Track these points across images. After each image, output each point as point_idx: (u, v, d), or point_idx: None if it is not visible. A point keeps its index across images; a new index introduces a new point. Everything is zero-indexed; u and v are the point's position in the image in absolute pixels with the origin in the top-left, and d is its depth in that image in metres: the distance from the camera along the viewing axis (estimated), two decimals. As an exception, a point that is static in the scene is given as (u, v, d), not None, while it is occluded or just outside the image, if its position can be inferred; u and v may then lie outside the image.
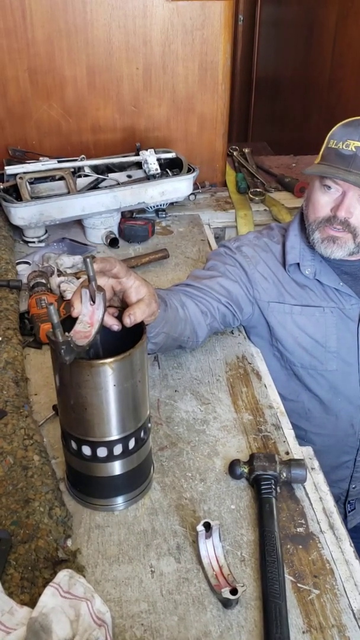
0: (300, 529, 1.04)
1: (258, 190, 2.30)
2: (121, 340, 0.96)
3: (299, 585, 0.95)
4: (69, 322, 0.92)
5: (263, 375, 1.40)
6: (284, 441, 1.22)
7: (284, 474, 1.09)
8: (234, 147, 2.66)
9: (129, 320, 0.95)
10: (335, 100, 2.94)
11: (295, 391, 1.52)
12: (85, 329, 0.90)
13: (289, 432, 1.25)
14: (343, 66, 2.86)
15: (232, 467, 1.11)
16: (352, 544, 1.04)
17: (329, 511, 1.09)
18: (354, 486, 1.63)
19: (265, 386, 1.37)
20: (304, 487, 1.11)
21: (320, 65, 3.06)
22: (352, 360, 1.47)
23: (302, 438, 1.54)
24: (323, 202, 1.36)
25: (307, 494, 1.11)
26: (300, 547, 1.01)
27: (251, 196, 2.26)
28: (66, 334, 0.84)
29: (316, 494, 1.12)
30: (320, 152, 1.36)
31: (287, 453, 1.19)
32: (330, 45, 2.95)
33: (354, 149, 1.29)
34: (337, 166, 1.30)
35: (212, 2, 2.03)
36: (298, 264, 1.44)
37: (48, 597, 0.79)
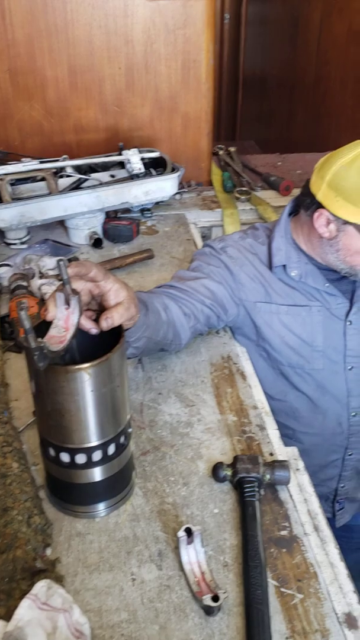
0: (284, 532, 1.02)
1: (244, 189, 2.29)
2: (99, 345, 0.94)
3: (282, 589, 0.93)
4: (44, 326, 0.90)
5: (248, 375, 1.39)
6: (269, 442, 1.20)
7: (268, 476, 1.07)
8: (219, 145, 2.65)
9: (105, 324, 0.94)
10: (320, 98, 2.94)
11: (282, 391, 1.51)
12: (60, 334, 0.89)
13: (273, 433, 1.24)
14: (328, 64, 2.86)
15: (216, 470, 1.09)
16: (337, 546, 1.03)
17: (313, 513, 1.08)
18: (342, 485, 1.62)
19: (250, 386, 1.35)
20: (288, 489, 1.10)
21: (306, 63, 3.06)
22: (338, 358, 1.46)
23: (290, 437, 1.53)
24: None
25: (291, 496, 1.09)
26: (284, 550, 0.99)
27: (237, 195, 2.25)
28: (39, 339, 0.82)
29: (301, 496, 1.10)
30: None
31: (272, 454, 1.17)
32: (315, 43, 2.95)
33: None
34: None
35: (193, 1, 2.02)
36: (284, 265, 1.43)
37: (24, 610, 0.77)
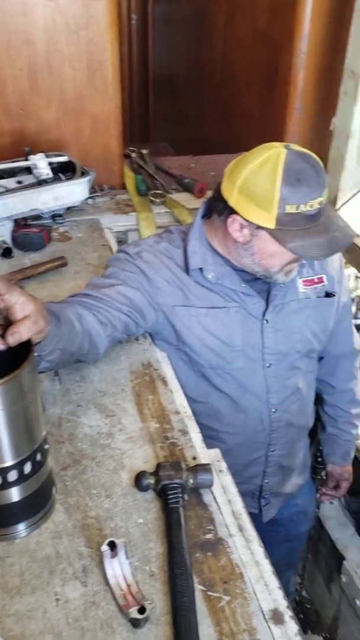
0: (209, 536, 1.03)
1: (158, 192, 2.28)
2: (8, 361, 0.90)
3: (209, 593, 0.93)
4: None
5: (169, 380, 1.39)
6: (191, 446, 1.20)
7: (191, 481, 1.07)
8: (131, 148, 2.63)
9: (12, 339, 0.90)
10: (228, 98, 2.98)
11: (204, 392, 1.51)
12: (-36, 353, 0.85)
13: (196, 436, 1.24)
14: (234, 64, 2.90)
15: (138, 480, 1.08)
16: (262, 544, 1.05)
17: (237, 513, 1.09)
18: (267, 481, 1.65)
19: (171, 391, 1.35)
20: (212, 492, 1.11)
21: (212, 63, 3.09)
22: (257, 357, 1.48)
23: (214, 438, 1.54)
24: (286, 252, 1.30)
25: (215, 498, 1.10)
26: (210, 554, 1.00)
27: (152, 198, 2.24)
28: None
29: (225, 497, 1.11)
30: (274, 217, 1.24)
31: (195, 458, 1.17)
32: (221, 43, 2.99)
33: (318, 205, 1.26)
34: (305, 227, 1.26)
35: (94, 1, 1.99)
36: (201, 268, 1.42)
37: None
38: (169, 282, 1.43)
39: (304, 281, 1.49)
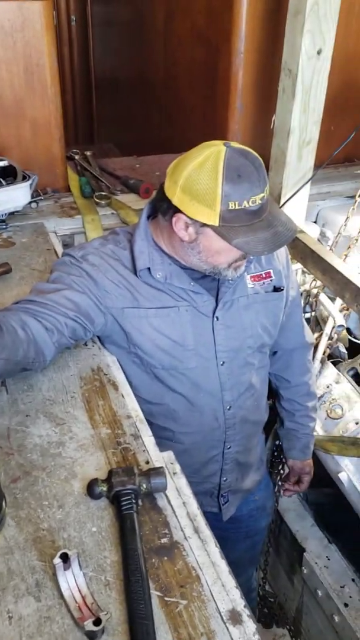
0: (164, 540, 1.02)
1: (103, 193, 2.26)
2: None
3: (166, 599, 0.93)
4: None
5: (120, 384, 1.37)
6: (144, 450, 1.19)
7: (144, 486, 1.06)
8: (75, 150, 2.60)
9: None
10: (171, 98, 2.98)
11: (158, 394, 1.50)
12: None
13: (148, 440, 1.23)
14: (176, 64, 2.90)
15: (91, 488, 1.07)
16: (217, 545, 1.05)
17: (192, 514, 1.09)
18: (225, 479, 1.65)
19: (122, 396, 1.33)
20: (166, 495, 1.10)
21: (154, 64, 3.09)
22: (209, 355, 1.48)
23: (171, 439, 1.54)
24: (231, 248, 1.30)
25: (169, 502, 1.09)
26: (166, 558, 0.99)
27: (97, 200, 2.22)
28: None
29: (179, 499, 1.11)
30: (218, 214, 1.24)
31: (148, 462, 1.16)
32: (162, 44, 2.98)
33: (260, 201, 1.26)
34: (248, 223, 1.26)
35: (30, 3, 1.95)
36: (149, 268, 1.41)
37: None
38: (117, 284, 1.41)
39: (252, 277, 1.50)
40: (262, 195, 1.26)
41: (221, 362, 1.49)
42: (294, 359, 1.77)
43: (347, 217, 2.22)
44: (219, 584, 0.97)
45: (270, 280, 1.52)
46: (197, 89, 2.70)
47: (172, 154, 2.59)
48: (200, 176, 1.24)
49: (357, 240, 2.23)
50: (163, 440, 1.51)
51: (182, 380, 1.48)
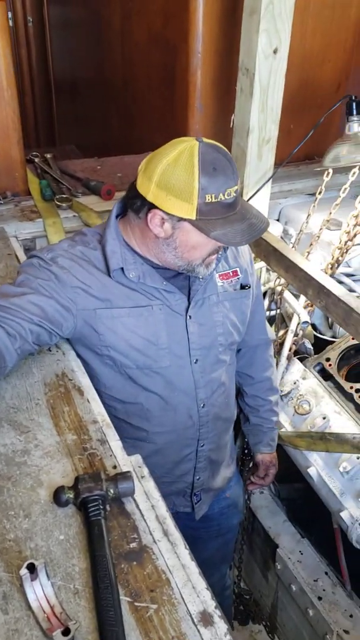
0: (133, 544, 1.01)
1: (64, 196, 2.24)
2: None
3: (136, 604, 0.92)
4: None
5: (85, 389, 1.36)
6: (111, 455, 1.18)
7: (112, 491, 1.06)
8: (34, 153, 2.57)
9: None
10: (131, 100, 2.97)
11: (132, 394, 1.50)
12: None
13: (115, 445, 1.22)
14: (133, 66, 2.89)
15: (57, 495, 1.05)
16: (187, 547, 1.04)
17: (162, 517, 1.08)
18: (198, 477, 1.66)
19: (88, 401, 1.32)
20: (134, 499, 1.09)
21: (113, 65, 3.07)
22: (183, 353, 1.48)
23: (144, 440, 1.54)
24: (207, 243, 1.33)
25: (137, 506, 1.08)
26: (135, 563, 0.98)
27: (58, 203, 2.19)
28: None
29: (148, 503, 1.10)
30: (195, 207, 1.25)
31: (115, 467, 1.15)
32: (119, 46, 2.97)
33: (234, 194, 1.28)
34: (224, 216, 1.28)
35: (-18, 5, 1.92)
36: (122, 268, 1.40)
37: None
38: (89, 286, 1.39)
39: (220, 275, 1.51)
40: (235, 187, 1.28)
41: (194, 360, 1.50)
42: (257, 355, 1.80)
43: (309, 215, 2.24)
44: (190, 586, 0.96)
45: (238, 278, 1.54)
46: (156, 90, 2.70)
47: (134, 154, 2.60)
48: (176, 171, 1.24)
49: (319, 237, 2.26)
50: (137, 441, 1.52)
51: (156, 380, 1.48)
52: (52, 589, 0.90)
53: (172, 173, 1.24)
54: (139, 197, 1.31)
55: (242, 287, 1.55)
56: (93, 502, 1.03)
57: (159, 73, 2.63)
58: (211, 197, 1.24)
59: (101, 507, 1.03)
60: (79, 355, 1.46)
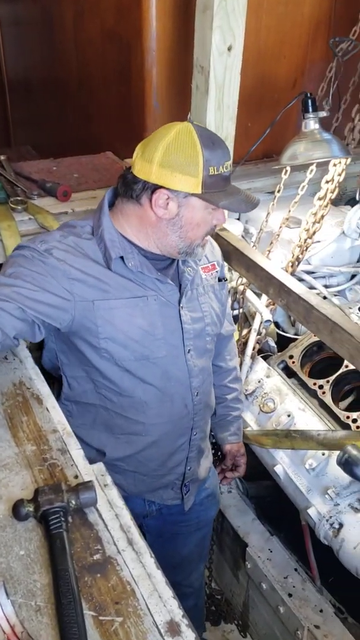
0: (97, 556, 0.99)
1: (19, 198, 2.18)
2: None
3: (100, 618, 0.90)
4: None
5: (44, 397, 1.33)
6: (72, 465, 1.15)
7: (73, 502, 1.03)
8: (-12, 155, 2.50)
9: None
10: (86, 99, 2.92)
11: (129, 387, 1.49)
12: None
13: (77, 453, 1.19)
14: (88, 64, 2.85)
15: (16, 509, 1.02)
16: (152, 555, 1.02)
17: (126, 526, 1.06)
18: (189, 467, 1.67)
19: (47, 409, 1.29)
20: (97, 509, 1.07)
21: (67, 63, 3.01)
22: (177, 343, 1.50)
23: (141, 433, 1.54)
24: (209, 220, 1.40)
25: (100, 516, 1.06)
26: (99, 575, 0.96)
27: (12, 206, 2.13)
28: None
29: (111, 512, 1.08)
30: (200, 181, 1.31)
31: (77, 477, 1.13)
32: (73, 43, 2.91)
33: (230, 168, 1.36)
34: (224, 189, 1.36)
35: None
36: (122, 257, 1.40)
37: None
38: (86, 277, 1.38)
39: (202, 268, 1.57)
40: (230, 162, 1.37)
41: (188, 350, 1.53)
42: (224, 345, 1.84)
43: (268, 213, 2.24)
44: (156, 596, 0.95)
45: (216, 271, 1.61)
46: (111, 88, 2.66)
47: (91, 154, 2.55)
48: (179, 148, 1.30)
49: (279, 235, 2.26)
50: (131, 435, 1.52)
51: (154, 371, 1.49)
52: (11, 607, 0.87)
53: (175, 150, 1.30)
54: (139, 182, 1.35)
55: (220, 279, 1.63)
56: (54, 514, 1.00)
57: (114, 71, 2.59)
58: (214, 170, 1.31)
59: (63, 519, 1.00)
60: (76, 348, 1.44)
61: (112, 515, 1.07)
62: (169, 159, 1.30)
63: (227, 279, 1.67)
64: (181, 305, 1.49)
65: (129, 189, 1.38)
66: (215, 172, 1.32)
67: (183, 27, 2.24)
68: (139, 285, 1.43)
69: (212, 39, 1.80)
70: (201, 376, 1.59)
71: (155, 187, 1.33)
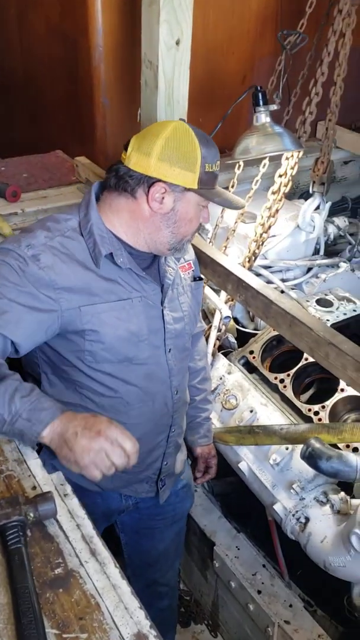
0: (58, 570, 0.95)
1: (-33, 200, 2.11)
2: None
3: (64, 636, 0.86)
4: None
5: (-1, 405, 1.27)
6: (29, 475, 1.11)
7: (31, 515, 0.99)
8: None
9: None
10: (34, 97, 2.85)
11: (112, 388, 1.46)
12: None
13: (34, 463, 1.14)
14: (34, 61, 2.78)
15: (-29, 526, 0.97)
16: (117, 565, 0.99)
17: (88, 537, 1.02)
18: (165, 462, 1.66)
19: (2, 418, 1.23)
20: (57, 520, 1.02)
21: (12, 61, 2.94)
22: (159, 343, 1.50)
23: None
24: (199, 216, 1.43)
25: (61, 527, 1.02)
26: (61, 590, 0.92)
27: None
28: None
29: (72, 522, 1.04)
30: (197, 176, 1.34)
31: (35, 487, 1.08)
32: (17, 40, 2.84)
33: (219, 167, 1.39)
34: (214, 187, 1.40)
35: None
36: (111, 253, 1.36)
37: None
38: (73, 284, 1.34)
39: (180, 267, 1.56)
40: (219, 161, 1.39)
41: (169, 350, 1.52)
42: (194, 344, 1.81)
43: (223, 209, 2.22)
44: (122, 608, 0.91)
45: (192, 270, 1.62)
46: (58, 86, 2.60)
47: (39, 154, 2.49)
48: (179, 142, 1.32)
49: (234, 231, 2.25)
50: None
51: (136, 372, 1.47)
52: (-31, 632, 0.82)
53: (174, 145, 1.32)
54: (134, 176, 1.34)
55: (195, 278, 1.63)
56: (11, 529, 0.96)
57: (61, 69, 2.54)
58: (210, 167, 1.35)
59: (21, 533, 0.96)
60: (59, 348, 1.41)
61: (74, 525, 1.03)
62: (168, 153, 1.32)
63: (202, 278, 1.67)
64: (164, 305, 1.48)
65: (122, 182, 1.36)
66: (210, 170, 1.35)
67: (130, 22, 2.21)
68: (124, 287, 1.40)
69: (160, 33, 1.77)
70: (181, 374, 1.60)
71: (153, 181, 1.33)
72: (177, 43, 1.82)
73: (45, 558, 0.96)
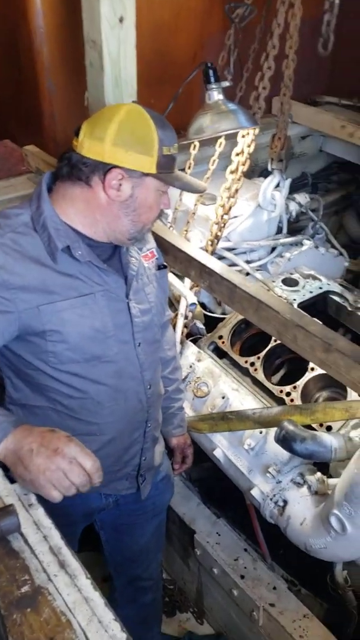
0: (25, 588, 0.90)
1: None
2: None
3: (34, 659, 0.81)
4: None
5: None
6: (-9, 487, 1.05)
7: (-7, 531, 0.93)
8: None
9: None
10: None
11: (81, 389, 1.40)
12: None
13: (-5, 474, 1.08)
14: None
15: None
16: (89, 576, 0.94)
17: (56, 548, 0.97)
18: (144, 458, 1.62)
19: None
20: (22, 534, 0.97)
21: None
22: (127, 338, 1.44)
23: (94, 434, 1.47)
24: (159, 202, 1.37)
25: (26, 541, 0.97)
26: (29, 610, 0.87)
27: None
28: None
29: (39, 534, 0.99)
30: (155, 160, 1.28)
31: (-4, 500, 1.02)
32: None
33: (177, 149, 1.34)
34: (173, 170, 1.35)
35: None
36: (68, 247, 1.29)
37: None
38: (28, 282, 1.27)
39: (143, 256, 1.50)
40: (177, 144, 1.34)
41: (138, 344, 1.47)
42: (162, 334, 1.75)
43: (181, 192, 2.16)
44: (95, 622, 0.87)
45: (156, 259, 1.56)
46: (2, 72, 2.49)
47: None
48: (133, 126, 1.27)
49: (194, 213, 2.19)
50: (86, 436, 1.41)
51: (105, 370, 1.41)
52: None
53: (129, 128, 1.26)
54: (88, 163, 1.28)
55: (159, 267, 1.57)
56: (-28, 549, 0.90)
57: (2, 53, 2.42)
58: (168, 150, 1.29)
59: (-17, 552, 0.90)
60: (21, 351, 1.35)
61: (40, 537, 0.98)
62: (123, 137, 1.26)
63: (166, 266, 1.61)
64: (129, 298, 1.42)
65: (76, 170, 1.30)
66: (169, 152, 1.30)
67: (71, 1, 2.11)
68: (84, 281, 1.34)
69: (101, 10, 1.68)
70: (153, 368, 1.54)
71: (109, 167, 1.27)
72: (121, 20, 1.73)
73: (10, 576, 0.91)
